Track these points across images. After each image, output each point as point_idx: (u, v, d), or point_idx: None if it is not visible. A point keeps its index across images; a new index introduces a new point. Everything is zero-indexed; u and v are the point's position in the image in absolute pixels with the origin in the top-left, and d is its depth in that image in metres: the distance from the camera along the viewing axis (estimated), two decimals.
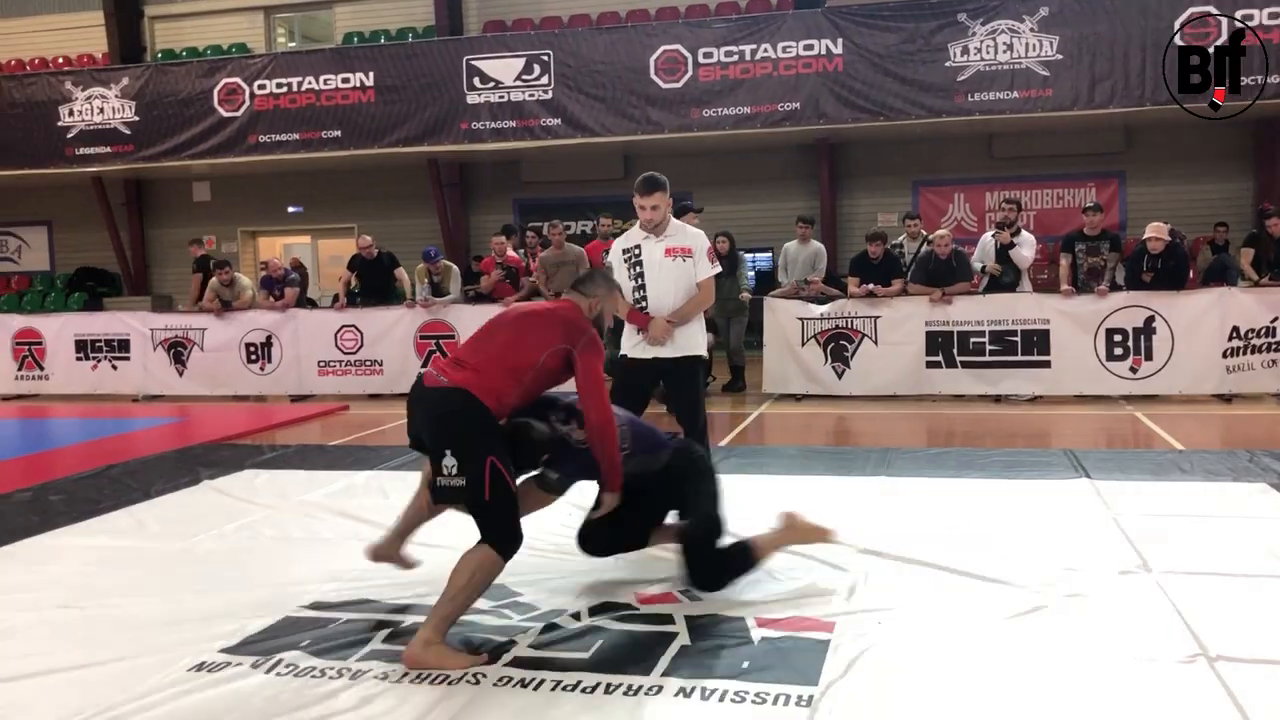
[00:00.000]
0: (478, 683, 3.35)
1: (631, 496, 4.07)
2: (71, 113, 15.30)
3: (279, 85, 14.56)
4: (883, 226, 12.68)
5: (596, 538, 4.32)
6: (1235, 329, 9.44)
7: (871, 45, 12.92)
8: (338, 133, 14.40)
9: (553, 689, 3.30)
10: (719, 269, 5.45)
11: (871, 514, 5.42)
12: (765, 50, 13.16)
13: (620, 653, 3.59)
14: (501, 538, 3.63)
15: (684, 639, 3.68)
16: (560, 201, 15.22)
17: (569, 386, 3.96)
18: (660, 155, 14.67)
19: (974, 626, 3.74)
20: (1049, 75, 12.45)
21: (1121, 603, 3.95)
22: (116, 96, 15.15)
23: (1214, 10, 11.86)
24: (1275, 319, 9.45)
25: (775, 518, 4.41)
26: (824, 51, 13.03)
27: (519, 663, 3.51)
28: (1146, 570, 4.30)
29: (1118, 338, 9.58)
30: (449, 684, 3.35)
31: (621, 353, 5.47)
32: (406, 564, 4.32)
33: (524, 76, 13.86)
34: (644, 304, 5.29)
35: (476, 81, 13.97)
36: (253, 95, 14.62)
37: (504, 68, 13.95)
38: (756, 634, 3.71)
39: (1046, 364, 9.72)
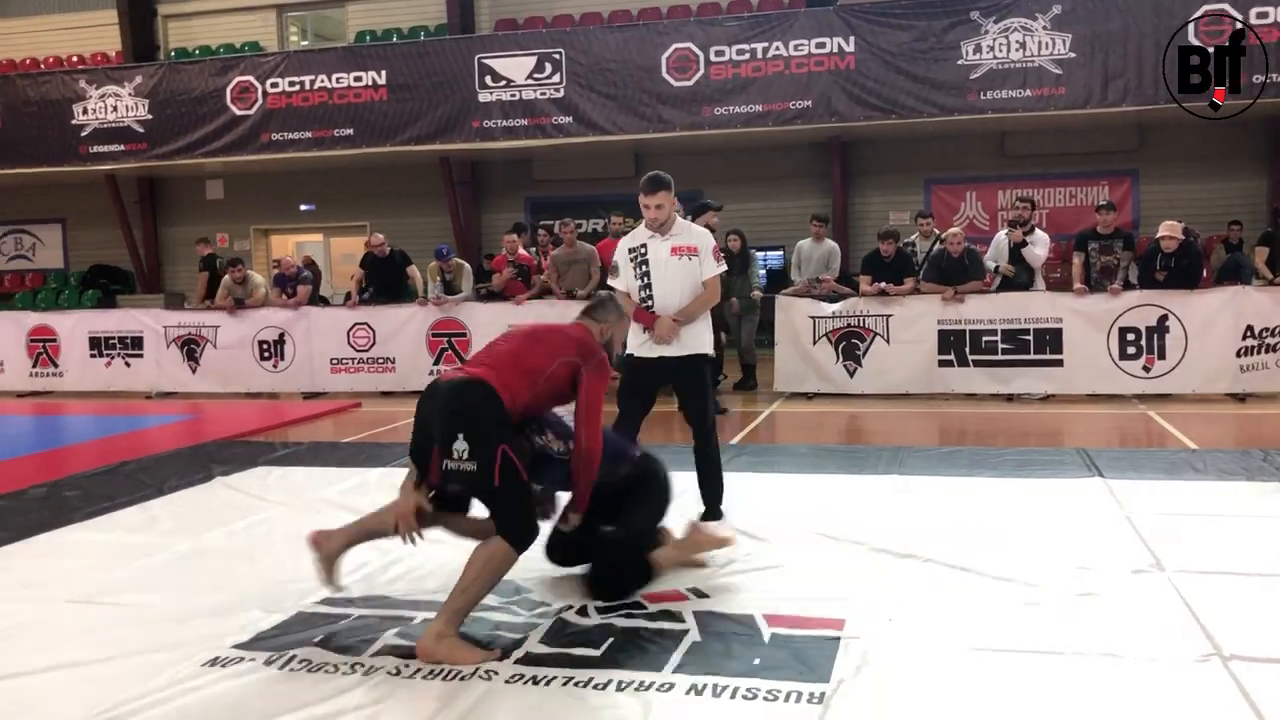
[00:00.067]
0: (489, 679, 3.36)
1: (591, 504, 4.08)
2: (85, 111, 15.37)
3: (291, 84, 14.60)
4: (895, 225, 12.65)
5: (565, 548, 4.31)
6: (1249, 328, 9.39)
7: (883, 43, 12.90)
8: (350, 131, 14.43)
9: (564, 685, 3.31)
10: (724, 268, 5.44)
11: (883, 512, 5.42)
12: (777, 48, 13.14)
13: (631, 650, 3.59)
14: (515, 529, 3.64)
15: (694, 636, 3.68)
16: (572, 200, 15.22)
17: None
18: (671, 154, 14.67)
19: (985, 625, 3.74)
20: (1062, 73, 12.41)
21: (1134, 602, 3.94)
22: (130, 95, 15.21)
23: (1228, 8, 11.80)
24: None
25: (680, 528, 4.45)
26: (836, 50, 13.01)
27: (530, 659, 3.52)
28: (1160, 569, 4.29)
29: (1131, 336, 9.54)
30: (461, 679, 3.36)
31: (628, 351, 5.48)
32: (334, 581, 4.00)
33: (535, 75, 13.87)
34: (650, 303, 5.29)
35: (488, 80, 13.98)
36: (265, 94, 14.66)
37: (515, 66, 13.96)
38: (766, 631, 3.71)
39: (1059, 363, 9.69)
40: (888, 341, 9.98)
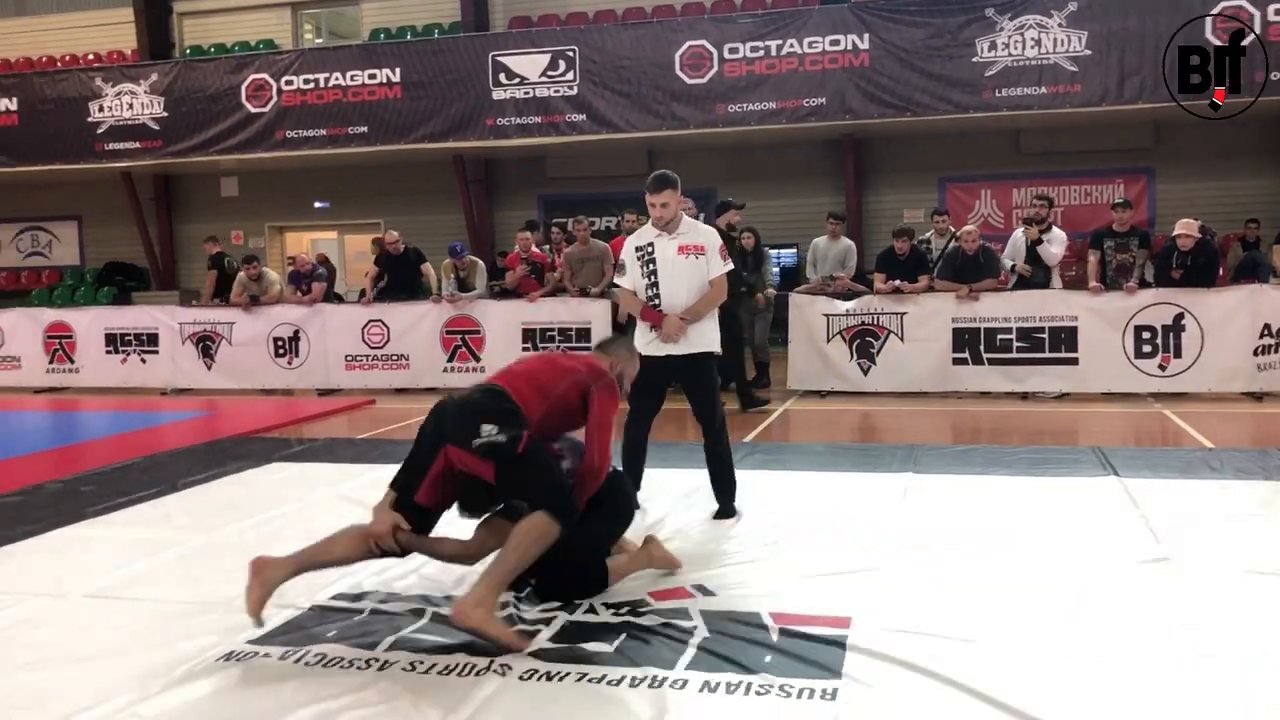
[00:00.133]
0: (504, 674, 3.37)
1: None
2: (101, 108, 15.45)
3: (306, 81, 14.65)
4: (909, 223, 12.63)
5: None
6: (1266, 326, 9.34)
7: (898, 40, 12.87)
8: (364, 128, 14.47)
9: (578, 681, 3.31)
10: (730, 266, 5.46)
11: (896, 510, 5.41)
12: (791, 45, 13.13)
13: (642, 646, 3.59)
14: (557, 502, 3.70)
15: (703, 633, 3.68)
16: (585, 197, 15.23)
17: None
18: (685, 151, 14.69)
19: (997, 623, 3.72)
20: (1077, 71, 12.36)
21: (1149, 601, 3.92)
22: (146, 92, 15.29)
23: (1246, 4, 11.74)
24: None
25: (639, 540, 4.45)
26: (850, 47, 12.99)
27: (543, 655, 3.52)
28: (1175, 569, 4.27)
29: (1146, 335, 9.49)
30: (476, 675, 3.37)
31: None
32: (258, 614, 3.70)
33: (549, 72, 13.89)
34: (657, 301, 5.30)
35: (502, 77, 14.00)
36: (280, 91, 14.72)
37: (529, 64, 13.98)
38: (775, 629, 3.70)
39: (1074, 361, 9.65)
40: (902, 339, 9.96)
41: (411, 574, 4.38)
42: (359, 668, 3.47)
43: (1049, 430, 8.35)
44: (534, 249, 11.66)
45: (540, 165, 15.80)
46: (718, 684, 3.25)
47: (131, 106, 15.34)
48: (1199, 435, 7.68)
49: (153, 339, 12.35)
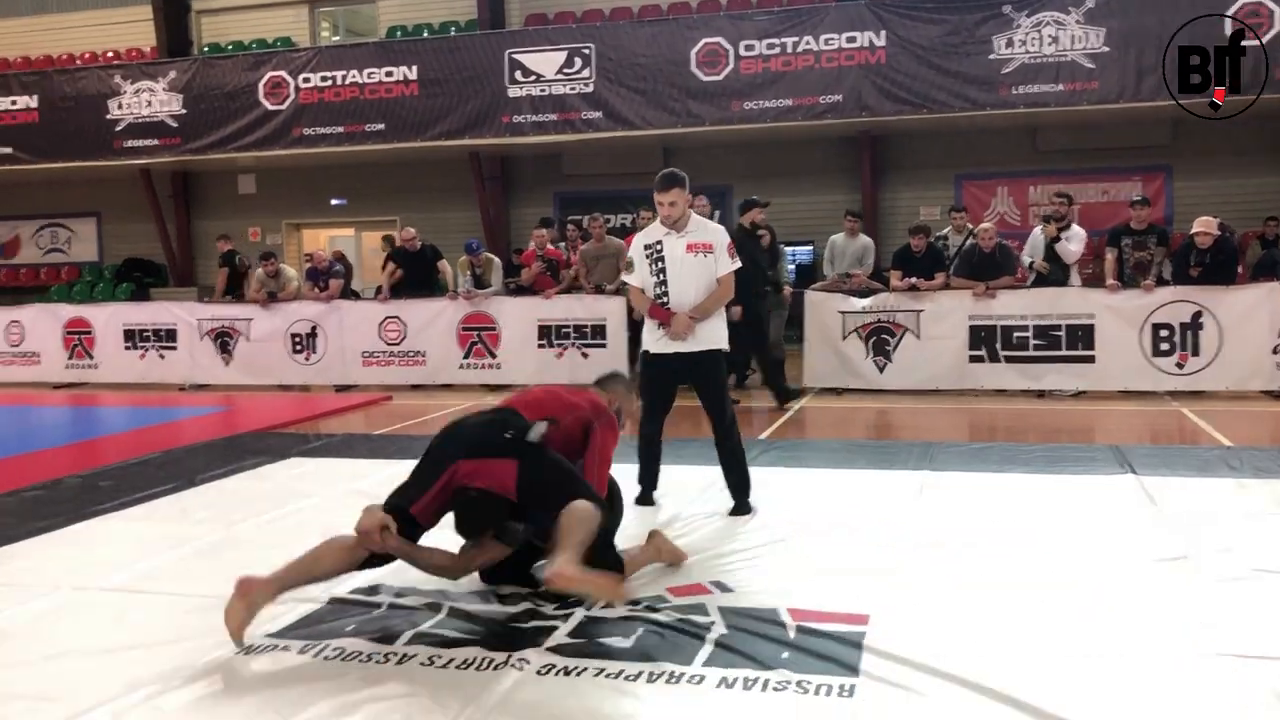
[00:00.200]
0: (521, 669, 3.38)
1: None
2: (120, 106, 15.54)
3: (323, 79, 14.70)
4: (925, 220, 12.59)
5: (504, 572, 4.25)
6: None
7: (914, 37, 12.83)
8: (381, 126, 14.52)
9: (596, 676, 3.32)
10: (739, 264, 5.47)
11: (912, 507, 5.41)
12: (807, 42, 13.11)
13: (660, 642, 3.59)
14: (585, 490, 3.79)
15: (720, 629, 3.68)
16: (600, 195, 15.23)
17: None
18: (700, 148, 14.69)
19: (1014, 621, 3.72)
20: (1095, 67, 12.30)
21: (1167, 599, 3.91)
22: (164, 90, 15.37)
23: (1267, 0, 11.66)
24: None
25: (646, 536, 4.48)
26: (866, 44, 12.96)
27: (560, 650, 3.54)
28: (1193, 567, 4.25)
29: (1164, 333, 9.45)
30: (494, 669, 3.38)
31: (644, 348, 5.51)
32: (240, 637, 3.62)
33: (565, 70, 13.90)
34: (665, 299, 5.32)
35: (518, 75, 14.02)
36: (297, 89, 14.77)
37: (545, 61, 13.99)
38: (792, 625, 3.70)
39: (1090, 359, 9.62)
40: (918, 337, 9.94)
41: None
42: (377, 662, 3.48)
43: (1065, 428, 8.33)
44: (549, 246, 11.68)
45: (556, 163, 15.82)
46: (735, 680, 3.26)
47: (150, 104, 15.42)
48: (1217, 434, 7.64)
49: (171, 335, 12.43)
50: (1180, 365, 9.44)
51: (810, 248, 14.54)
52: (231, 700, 3.23)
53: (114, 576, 4.50)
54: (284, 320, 11.95)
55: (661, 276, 5.32)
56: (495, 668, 3.39)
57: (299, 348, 11.92)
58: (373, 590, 4.19)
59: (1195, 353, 9.39)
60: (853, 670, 3.30)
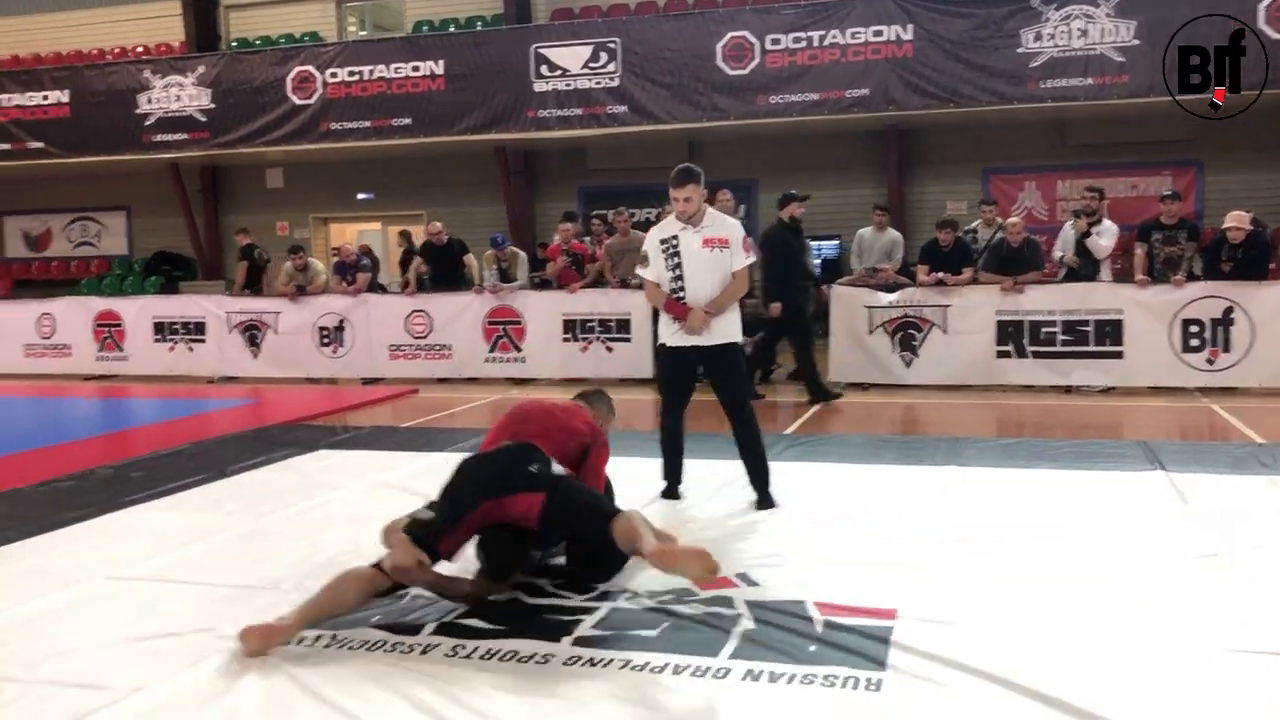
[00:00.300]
0: (546, 661, 3.40)
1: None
2: (150, 100, 15.65)
3: (350, 74, 14.75)
4: (952, 214, 12.52)
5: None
6: None
7: (942, 31, 12.75)
8: (408, 120, 14.55)
9: (622, 668, 3.34)
10: (754, 258, 5.52)
11: (940, 503, 5.39)
12: (834, 36, 13.04)
13: (686, 635, 3.61)
14: (614, 509, 3.90)
15: (747, 623, 3.69)
16: (625, 189, 15.22)
17: None
18: (726, 143, 14.65)
19: (1041, 617, 3.70)
20: (1125, 61, 12.18)
21: (1200, 596, 3.88)
22: (193, 85, 15.47)
23: None
24: None
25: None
26: (894, 38, 12.88)
27: (586, 641, 3.56)
28: (1225, 564, 4.22)
29: (1194, 329, 9.36)
30: (519, 661, 3.40)
31: (660, 341, 5.54)
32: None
33: (591, 64, 13.89)
34: (682, 294, 5.35)
35: (544, 69, 14.03)
36: (325, 83, 14.83)
37: (571, 55, 13.99)
38: (819, 619, 3.70)
39: (1119, 355, 9.54)
40: (945, 332, 9.89)
41: (453, 563, 4.41)
42: (402, 651, 3.52)
43: (1094, 424, 8.26)
44: (574, 240, 11.69)
45: (581, 157, 15.82)
46: (761, 673, 3.27)
47: (179, 98, 15.52)
48: (1248, 430, 7.56)
49: (200, 328, 12.53)
50: (1211, 361, 9.34)
51: (836, 242, 14.48)
52: (261, 687, 3.27)
53: (146, 566, 4.56)
54: (312, 313, 12.03)
55: (678, 271, 5.35)
56: (520, 660, 3.41)
57: (326, 341, 12.00)
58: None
59: (1226, 349, 9.30)
60: (880, 664, 3.30)
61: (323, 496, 5.84)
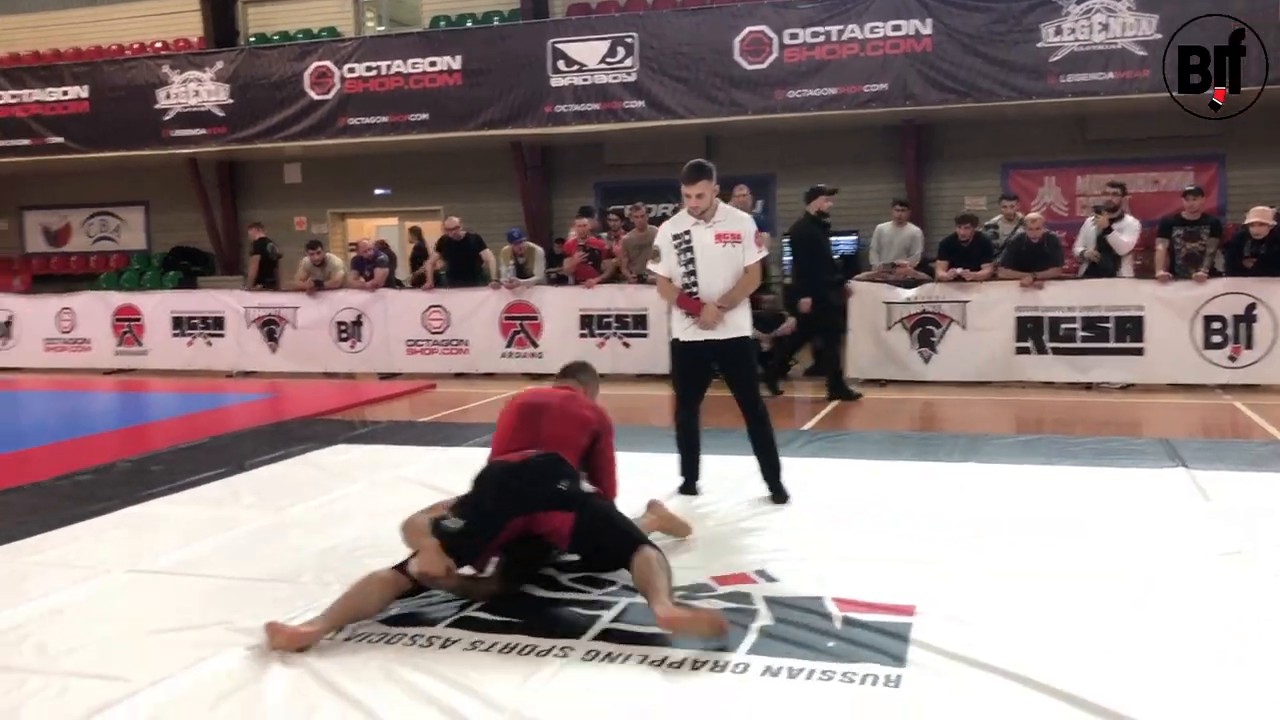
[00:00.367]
0: (565, 655, 3.40)
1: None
2: (168, 96, 15.71)
3: (368, 69, 14.78)
4: (971, 209, 12.46)
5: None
6: None
7: (961, 26, 12.68)
8: (425, 116, 14.57)
9: (640, 663, 3.33)
10: (765, 253, 5.54)
11: (959, 500, 5.36)
12: (852, 31, 12.99)
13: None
14: (641, 536, 3.89)
15: (765, 619, 3.68)
16: (642, 184, 15.19)
17: None
18: (743, 138, 14.62)
19: (1061, 614, 3.68)
20: (1147, 55, 12.09)
21: (1223, 593, 3.85)
22: (211, 80, 15.52)
23: None
24: None
25: (644, 506, 4.64)
26: (913, 32, 12.83)
27: (606, 636, 3.55)
28: (1249, 561, 4.19)
29: (1216, 325, 9.29)
30: (538, 655, 3.40)
31: (674, 336, 5.54)
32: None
33: (608, 59, 13.87)
34: (695, 289, 5.36)
35: (561, 64, 14.02)
36: (342, 78, 14.86)
37: (588, 50, 13.98)
38: (838, 615, 3.69)
39: (1139, 351, 9.48)
40: (964, 328, 9.84)
41: None
42: (421, 645, 3.52)
43: (1114, 421, 8.21)
44: (591, 236, 11.69)
45: (598, 152, 15.81)
46: (780, 668, 3.25)
47: (198, 94, 15.58)
48: (1271, 428, 7.50)
49: (219, 322, 12.58)
50: (1233, 358, 9.27)
51: (854, 238, 14.43)
52: (279, 680, 3.27)
53: (166, 559, 4.58)
54: (330, 308, 12.07)
55: (690, 266, 5.37)
56: (539, 654, 3.41)
57: (344, 336, 12.03)
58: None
59: (1249, 345, 9.23)
60: (899, 661, 3.29)
61: (341, 490, 5.85)
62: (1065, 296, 9.65)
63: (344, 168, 16.82)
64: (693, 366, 5.53)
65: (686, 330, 5.43)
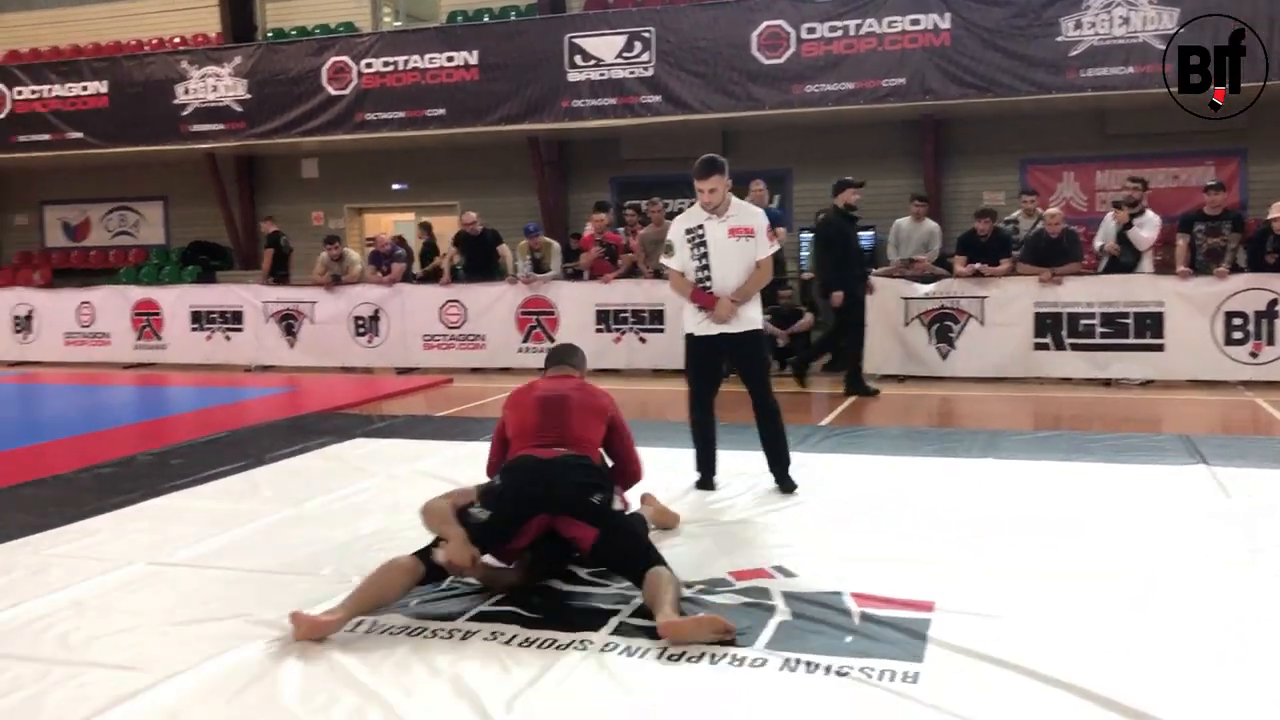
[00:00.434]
0: (584, 649, 3.40)
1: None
2: (187, 91, 15.77)
3: (385, 64, 14.79)
4: (990, 204, 12.40)
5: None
6: None
7: (980, 20, 12.61)
8: (442, 111, 14.58)
9: (658, 658, 3.33)
10: (778, 247, 5.56)
11: (978, 496, 5.35)
12: (870, 25, 12.94)
13: None
14: (657, 556, 3.86)
15: (783, 614, 3.68)
16: (659, 179, 15.16)
17: None
18: (760, 132, 14.58)
19: (1080, 612, 3.66)
20: (1167, 49, 11.99)
21: (1246, 592, 3.82)
22: (229, 75, 15.57)
23: None
24: None
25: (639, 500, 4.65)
26: (931, 26, 12.76)
27: (624, 630, 3.55)
28: (1272, 558, 4.16)
29: (1238, 321, 9.24)
30: (557, 648, 3.40)
31: (687, 331, 5.56)
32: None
33: (625, 54, 13.85)
34: (708, 283, 5.38)
35: (578, 59, 14.01)
36: (360, 74, 14.89)
37: (605, 45, 13.96)
38: (856, 611, 3.69)
39: (1159, 347, 9.43)
40: (982, 323, 9.81)
41: None
42: (441, 637, 3.53)
43: (1133, 417, 8.17)
44: (608, 231, 11.69)
45: (614, 147, 15.78)
46: (798, 663, 3.25)
47: (216, 89, 15.63)
48: None
49: (237, 317, 12.65)
50: (1254, 355, 9.22)
51: (871, 233, 14.37)
52: (299, 672, 3.28)
53: (187, 551, 4.60)
54: (347, 303, 12.11)
55: (704, 261, 5.40)
56: (559, 647, 3.42)
57: (362, 330, 12.07)
58: (436, 567, 4.22)
59: (1271, 341, 9.17)
60: (917, 657, 3.28)
61: (359, 484, 5.88)
62: (1084, 292, 9.60)
63: (361, 163, 16.84)
64: (707, 360, 5.56)
65: (700, 324, 5.46)
